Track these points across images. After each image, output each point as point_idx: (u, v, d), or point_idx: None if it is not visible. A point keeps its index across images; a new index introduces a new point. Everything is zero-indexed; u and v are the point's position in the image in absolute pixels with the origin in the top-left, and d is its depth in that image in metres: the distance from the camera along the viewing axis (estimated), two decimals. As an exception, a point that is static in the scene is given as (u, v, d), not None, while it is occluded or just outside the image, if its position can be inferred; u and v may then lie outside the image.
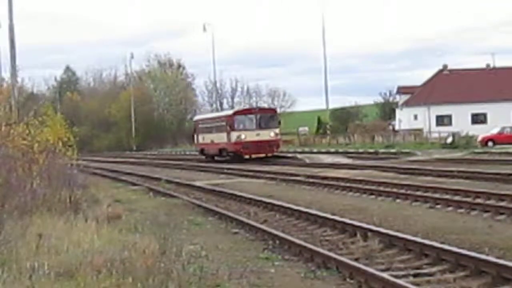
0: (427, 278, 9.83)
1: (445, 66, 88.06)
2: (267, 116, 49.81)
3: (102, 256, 10.42)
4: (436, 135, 63.67)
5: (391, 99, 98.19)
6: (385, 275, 9.57)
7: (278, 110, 63.66)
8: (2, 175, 11.47)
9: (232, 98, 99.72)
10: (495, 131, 55.21)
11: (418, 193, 20.00)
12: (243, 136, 46.91)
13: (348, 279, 10.00)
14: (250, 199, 21.12)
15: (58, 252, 10.76)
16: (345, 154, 49.58)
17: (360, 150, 52.92)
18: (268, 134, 47.45)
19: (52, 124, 19.69)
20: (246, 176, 33.56)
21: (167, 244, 12.49)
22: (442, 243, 11.47)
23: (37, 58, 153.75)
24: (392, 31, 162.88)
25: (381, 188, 22.05)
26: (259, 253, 12.52)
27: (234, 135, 47.31)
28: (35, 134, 17.52)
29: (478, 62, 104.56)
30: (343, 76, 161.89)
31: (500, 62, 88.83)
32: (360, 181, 24.84)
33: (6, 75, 41.81)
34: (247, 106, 67.83)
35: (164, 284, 9.08)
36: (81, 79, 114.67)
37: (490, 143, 50.82)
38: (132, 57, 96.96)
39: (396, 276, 9.55)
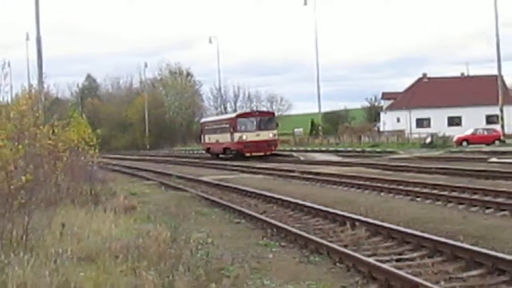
0: (408, 262, 9.86)
1: (424, 75, 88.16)
2: (266, 119, 49.82)
3: (119, 243, 10.44)
4: (416, 135, 63.59)
5: (376, 103, 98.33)
6: (371, 260, 9.58)
7: (276, 114, 63.64)
8: (30, 171, 11.45)
9: (235, 102, 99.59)
10: (469, 132, 55.23)
11: (401, 187, 20.02)
12: (244, 137, 46.91)
13: (338, 264, 10.01)
14: (251, 192, 21.12)
15: (80, 239, 10.77)
16: (335, 152, 49.60)
17: (349, 149, 52.89)
18: (267, 135, 47.45)
19: (77, 125, 19.67)
20: (247, 172, 33.58)
21: (177, 232, 12.52)
22: (421, 231, 11.48)
23: (61, 67, 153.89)
24: (378, 44, 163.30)
25: (368, 183, 22.03)
26: (259, 241, 12.53)
27: (236, 136, 47.32)
28: (59, 134, 17.49)
29: (453, 71, 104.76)
30: (334, 83, 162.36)
31: (473, 71, 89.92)
32: (349, 177, 24.83)
33: (34, 82, 41.84)
34: (248, 110, 67.60)
35: (175, 267, 9.08)
36: (100, 86, 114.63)
37: (464, 143, 50.81)
38: (146, 66, 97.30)
39: (381, 261, 9.57)
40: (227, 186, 24.11)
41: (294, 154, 48.61)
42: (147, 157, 61.85)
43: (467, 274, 8.95)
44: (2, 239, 10.02)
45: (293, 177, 27.94)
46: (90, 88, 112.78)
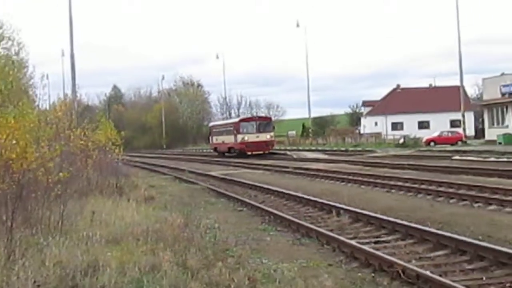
0: (384, 244, 9.89)
1: (398, 86, 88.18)
2: (264, 123, 49.72)
3: (140, 228, 10.44)
4: (391, 137, 63.64)
5: (357, 110, 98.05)
6: (353, 242, 9.62)
7: (273, 118, 63.34)
8: (65, 167, 11.47)
9: (238, 109, 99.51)
10: (435, 134, 55.17)
11: (378, 180, 20.01)
12: (246, 138, 46.87)
13: (325, 245, 10.04)
14: (251, 185, 21.11)
15: (107, 225, 10.78)
16: (323, 151, 49.58)
17: (334, 149, 52.86)
18: (265, 136, 47.40)
19: (104, 128, 19.67)
20: (249, 168, 33.57)
21: (189, 219, 12.51)
22: (395, 218, 11.49)
23: (91, 79, 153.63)
24: (359, 59, 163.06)
25: (350, 177, 22.03)
26: (258, 226, 12.56)
27: (239, 137, 47.28)
28: (89, 136, 17.50)
29: (423, 83, 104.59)
30: (322, 92, 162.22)
31: (439, 82, 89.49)
32: (334, 172, 24.83)
33: (68, 91, 41.86)
34: (249, 115, 67.47)
35: (187, 248, 9.08)
36: (124, 95, 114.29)
37: (432, 143, 50.74)
38: (163, 78, 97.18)
39: (361, 243, 9.60)
40: (231, 180, 24.11)
41: (288, 152, 48.54)
42: (164, 155, 61.81)
43: (434, 254, 8.99)
44: (41, 224, 10.03)
45: (287, 172, 27.94)
46: (115, 97, 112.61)
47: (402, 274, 7.58)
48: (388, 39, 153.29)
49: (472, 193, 15.17)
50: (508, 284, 7.23)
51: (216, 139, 54.44)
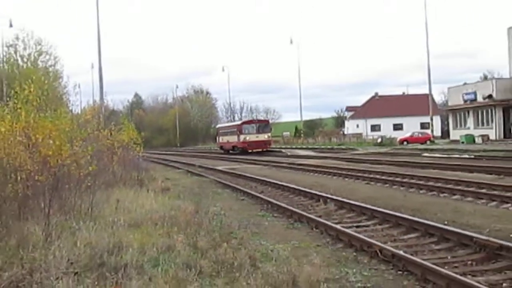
0: (364, 228, 9.87)
1: (376, 93, 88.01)
2: (263, 125, 49.69)
3: (158, 214, 10.44)
4: (371, 137, 63.74)
5: (342, 114, 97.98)
6: (338, 226, 9.61)
7: (270, 121, 63.27)
8: (94, 162, 11.46)
9: (241, 113, 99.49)
10: (408, 134, 55.14)
11: (359, 174, 20.00)
12: (247, 138, 46.86)
13: (314, 229, 10.02)
14: (252, 177, 21.09)
15: (129, 211, 10.78)
16: (313, 149, 49.54)
17: (322, 147, 52.84)
18: (264, 136, 47.38)
19: (127, 130, 19.65)
20: (249, 163, 33.52)
21: (199, 206, 12.50)
22: (374, 206, 11.47)
23: (116, 87, 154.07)
24: (343, 70, 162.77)
25: (335, 171, 22.01)
26: (258, 212, 12.54)
27: (242, 137, 47.26)
28: (114, 136, 17.48)
29: (397, 91, 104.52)
30: (312, 99, 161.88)
31: (412, 91, 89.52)
32: (322, 167, 24.83)
33: (96, 98, 42.06)
34: (250, 119, 67.42)
35: (197, 231, 9.07)
36: (144, 101, 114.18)
37: (405, 143, 50.73)
38: (177, 87, 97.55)
39: (345, 227, 9.59)
40: (235, 173, 24.09)
41: (283, 150, 48.54)
42: (177, 153, 61.76)
43: (406, 236, 8.99)
44: (74, 211, 10.03)
45: (282, 167, 27.94)
46: (137, 103, 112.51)
47: (379, 254, 7.58)
48: (369, 54, 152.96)
49: (439, 184, 15.16)
50: (469, 262, 7.23)
51: (222, 139, 54.44)
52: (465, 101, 48.85)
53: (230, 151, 50.41)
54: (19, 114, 9.96)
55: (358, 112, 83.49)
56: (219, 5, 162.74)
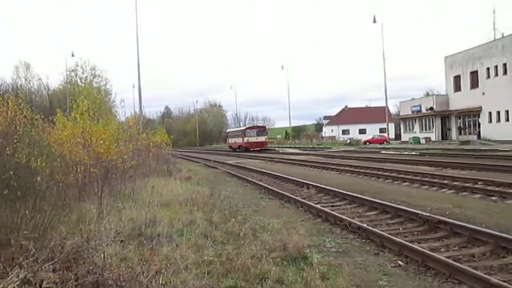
0: (337, 207, 9.83)
1: (346, 106, 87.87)
2: (261, 130, 49.54)
3: (182, 196, 10.44)
4: (342, 139, 63.68)
5: (320, 122, 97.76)
6: (317, 206, 9.59)
7: (266, 127, 63.05)
8: (135, 158, 11.48)
9: (245, 121, 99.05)
10: (370, 137, 55.16)
11: (333, 166, 19.94)
12: (249, 139, 46.77)
13: (300, 208, 10.00)
14: (252, 169, 21.03)
15: (161, 194, 10.79)
16: (298, 148, 49.42)
17: (306, 146, 52.66)
18: (262, 138, 47.25)
19: (160, 133, 19.69)
20: (251, 158, 33.41)
21: (213, 191, 12.53)
22: (344, 190, 11.45)
23: (151, 102, 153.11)
24: (322, 88, 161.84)
25: (315, 164, 21.96)
26: (257, 195, 12.53)
27: (245, 139, 47.16)
28: (150, 138, 17.49)
29: (362, 104, 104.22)
30: (298, 110, 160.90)
31: (373, 104, 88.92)
32: (305, 161, 24.79)
33: (136, 110, 42.04)
34: (251, 125, 67.27)
35: (212, 210, 9.09)
36: (172, 112, 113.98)
37: (368, 143, 50.68)
38: (197, 101, 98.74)
39: (322, 206, 9.57)
40: (240, 166, 24.06)
41: (276, 149, 48.46)
42: (197, 151, 61.58)
43: (369, 214, 8.97)
44: (119, 194, 10.03)
45: (275, 161, 27.90)
46: (167, 113, 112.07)
47: (348, 226, 7.58)
48: (341, 76, 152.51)
49: (393, 174, 15.12)
50: (415, 232, 7.24)
51: (230, 140, 54.38)
52: (413, 112, 48.85)
53: (237, 149, 50.31)
54: (78, 122, 10.00)
55: (332, 120, 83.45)
56: (231, 40, 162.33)
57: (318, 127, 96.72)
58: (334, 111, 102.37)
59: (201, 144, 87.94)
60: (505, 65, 35.65)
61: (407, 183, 13.15)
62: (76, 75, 51.71)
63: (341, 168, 19.08)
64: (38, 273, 3.83)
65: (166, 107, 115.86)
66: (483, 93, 38.14)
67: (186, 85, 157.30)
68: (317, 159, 26.46)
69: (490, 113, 37.40)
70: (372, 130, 69.12)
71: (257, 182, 15.33)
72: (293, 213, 9.47)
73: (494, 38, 40.53)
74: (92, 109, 10.44)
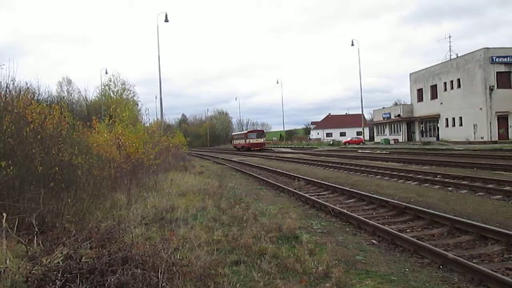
0: (322, 196, 9.79)
1: (329, 114, 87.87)
2: (260, 133, 49.36)
3: (196, 187, 10.44)
4: (326, 141, 63.55)
5: (308, 126, 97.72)
6: (306, 195, 9.56)
7: (264, 131, 63.06)
8: (158, 157, 11.49)
9: (247, 126, 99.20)
10: (348, 138, 55.23)
11: (319, 163, 19.85)
12: (251, 141, 46.71)
13: (292, 197, 9.96)
14: (253, 165, 20.97)
15: (179, 186, 10.78)
16: (290, 148, 49.38)
17: (296, 147, 52.65)
18: (261, 140, 47.13)
19: (178, 136, 19.68)
20: (252, 156, 33.34)
21: (221, 183, 12.50)
22: (328, 182, 11.43)
23: (170, 110, 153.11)
24: (310, 99, 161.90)
25: (304, 161, 21.87)
26: (257, 186, 12.49)
27: (247, 140, 47.09)
28: (170, 140, 17.49)
29: (343, 112, 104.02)
30: (290, 117, 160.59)
31: (351, 112, 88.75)
32: (296, 158, 24.71)
33: (158, 117, 42.04)
34: (252, 129, 67.33)
35: (220, 198, 9.07)
36: (188, 119, 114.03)
37: (347, 144, 50.62)
38: (207, 110, 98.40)
39: (310, 195, 9.55)
40: (243, 163, 23.99)
41: (272, 148, 48.41)
42: (208, 150, 61.55)
43: (348, 201, 8.94)
44: (145, 186, 10.02)
45: (272, 158, 27.81)
46: (183, 120, 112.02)
47: (332, 212, 7.56)
48: (326, 88, 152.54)
49: (368, 169, 15.08)
50: (386, 216, 7.22)
51: (235, 141, 54.36)
52: (384, 118, 48.86)
53: (240, 149, 50.26)
54: (113, 127, 10.01)
55: (318, 125, 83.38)
56: (235, 61, 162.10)
57: (307, 131, 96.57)
58: (319, 117, 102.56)
59: (211, 145, 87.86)
60: (459, 80, 35.87)
61: (379, 176, 13.11)
62: (109, 89, 51.80)
63: (326, 164, 19.04)
64: (78, 250, 3.84)
65: (183, 115, 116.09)
66: (441, 103, 38.30)
67: (198, 96, 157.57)
68: (306, 157, 26.42)
69: (447, 119, 37.56)
70: (351, 133, 69.25)
71: (257, 175, 15.29)
72: (286, 201, 9.44)
73: (450, 58, 40.50)
74: (129, 118, 10.52)
